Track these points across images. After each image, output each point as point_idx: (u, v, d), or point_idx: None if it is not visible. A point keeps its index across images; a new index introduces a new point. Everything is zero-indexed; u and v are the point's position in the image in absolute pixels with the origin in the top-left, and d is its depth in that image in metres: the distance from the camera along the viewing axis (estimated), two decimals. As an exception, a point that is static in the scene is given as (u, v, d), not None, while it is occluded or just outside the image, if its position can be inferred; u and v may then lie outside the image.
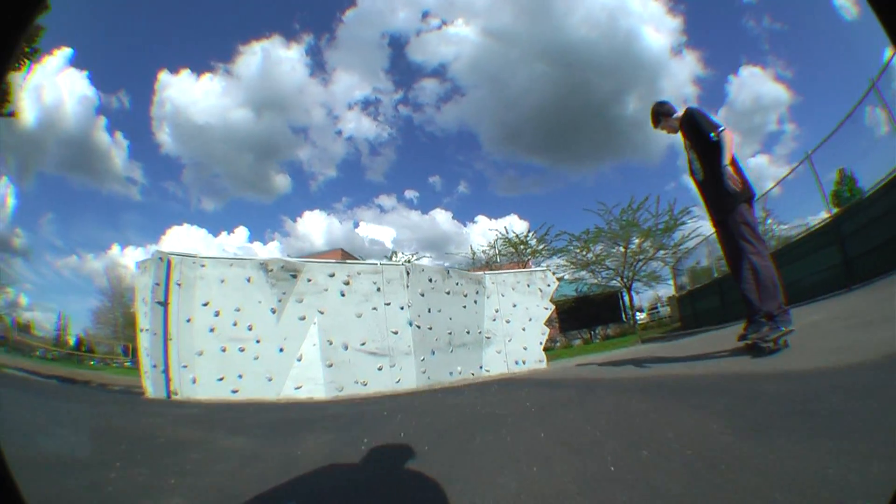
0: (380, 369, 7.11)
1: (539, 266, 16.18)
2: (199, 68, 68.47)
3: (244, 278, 7.34)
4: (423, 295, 7.76)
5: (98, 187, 60.65)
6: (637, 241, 25.61)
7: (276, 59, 62.84)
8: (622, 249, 25.87)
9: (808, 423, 2.00)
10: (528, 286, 9.28)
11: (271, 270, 7.19)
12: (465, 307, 8.46)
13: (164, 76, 59.46)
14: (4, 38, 0.95)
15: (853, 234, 8.78)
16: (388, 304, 7.40)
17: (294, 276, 7.21)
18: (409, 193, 66.70)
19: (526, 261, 26.17)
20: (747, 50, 61.50)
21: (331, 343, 7.02)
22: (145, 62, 67.11)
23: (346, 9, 69.25)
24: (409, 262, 7.54)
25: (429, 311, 7.80)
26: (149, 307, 7.41)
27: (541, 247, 27.26)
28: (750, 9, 58.47)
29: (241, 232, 61.46)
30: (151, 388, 7.24)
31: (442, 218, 64.74)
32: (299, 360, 6.99)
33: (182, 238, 57.50)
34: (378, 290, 7.41)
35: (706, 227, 24.75)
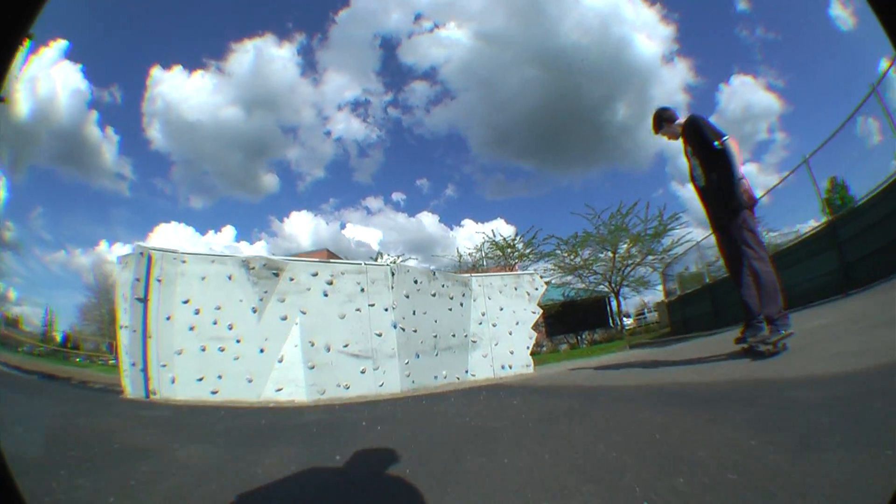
0: (363, 372, 6.88)
1: (526, 270, 16.00)
2: (192, 65, 68.07)
3: (225, 276, 7.11)
4: (408, 296, 7.54)
5: (88, 182, 60.10)
6: (625, 245, 25.51)
7: (268, 57, 62.55)
8: (611, 254, 25.74)
9: (864, 433, 1.75)
10: (516, 289, 9.07)
11: (253, 268, 6.97)
12: (450, 310, 8.23)
13: (156, 72, 58.97)
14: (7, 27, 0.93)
15: (851, 238, 8.68)
16: (373, 305, 7.18)
17: (276, 275, 6.99)
18: (397, 196, 66.54)
19: (513, 265, 25.96)
20: (739, 59, 61.79)
21: (313, 344, 6.79)
22: (138, 57, 66.61)
23: (340, 9, 68.94)
24: (394, 263, 7.31)
25: (414, 313, 7.58)
26: (129, 303, 7.16)
27: (528, 251, 26.99)
28: (744, 18, 58.84)
29: (229, 231, 61.08)
30: (130, 387, 6.98)
31: (429, 221, 64.56)
32: (280, 361, 6.76)
33: (170, 235, 57.04)
34: (362, 290, 7.19)
35: (696, 232, 24.76)
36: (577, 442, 2.49)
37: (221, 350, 6.89)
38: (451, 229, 71.33)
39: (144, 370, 6.99)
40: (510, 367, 8.51)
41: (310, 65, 65.20)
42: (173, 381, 6.89)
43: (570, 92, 64.58)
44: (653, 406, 3.10)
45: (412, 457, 2.55)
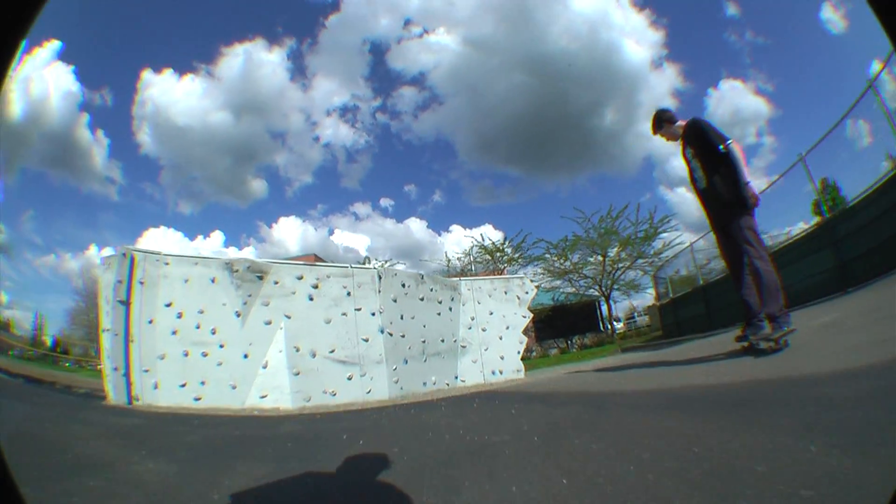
0: (349, 378, 6.65)
1: (516, 274, 15.83)
2: (182, 68, 67.76)
3: (209, 278, 6.89)
4: (395, 301, 7.32)
5: (78, 185, 59.68)
6: (616, 249, 25.41)
7: (257, 62, 62.38)
8: (601, 258, 25.63)
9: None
10: (506, 293, 8.88)
11: (237, 271, 6.75)
12: (439, 314, 8.01)
13: (147, 75, 58.62)
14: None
15: (848, 236, 8.60)
16: (359, 309, 6.94)
17: (260, 278, 6.76)
18: (385, 202, 66.62)
19: (502, 269, 25.77)
20: (728, 63, 62.12)
21: (298, 350, 6.56)
22: (130, 59, 66.22)
23: (330, 14, 68.84)
24: (382, 266, 7.13)
25: (401, 317, 7.35)
26: (111, 306, 6.95)
27: (517, 255, 26.79)
28: (733, 23, 59.08)
29: (217, 236, 60.77)
30: (113, 392, 6.76)
31: (416, 227, 64.58)
32: (265, 367, 6.52)
33: (159, 240, 56.60)
34: (348, 294, 6.96)
35: (686, 236, 24.72)
36: (597, 461, 2.08)
37: (205, 355, 6.67)
38: (439, 235, 71.66)
39: (127, 375, 6.78)
40: (501, 373, 8.31)
41: (299, 70, 65.06)
42: (156, 387, 6.68)
43: (558, 98, 64.76)
44: (673, 413, 2.79)
45: (398, 481, 2.18)
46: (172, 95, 59.60)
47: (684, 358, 5.55)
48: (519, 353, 8.64)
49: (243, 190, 69.42)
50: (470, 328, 8.40)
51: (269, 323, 6.65)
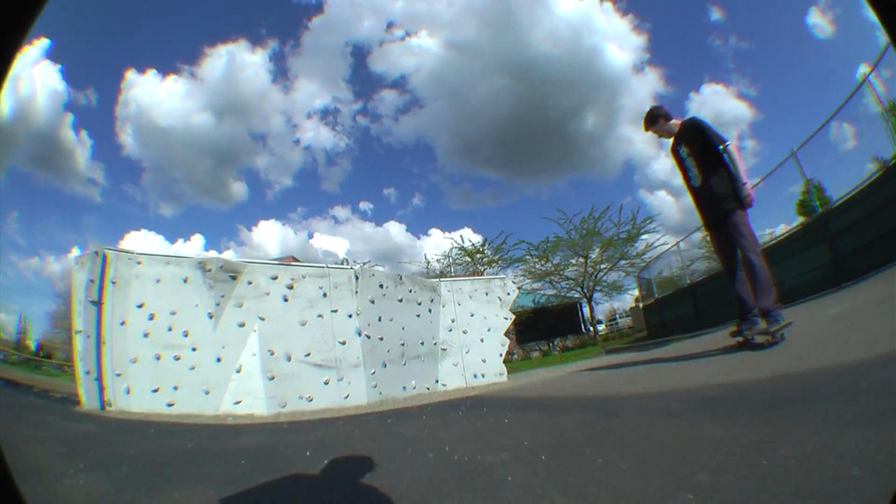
0: (326, 383, 6.35)
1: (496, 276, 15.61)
2: (165, 69, 66.66)
3: (181, 278, 6.60)
4: (373, 302, 7.02)
5: (61, 187, 58.74)
6: (598, 250, 25.22)
7: (240, 63, 61.65)
8: (582, 259, 25.41)
9: None
10: (487, 294, 8.60)
11: (209, 270, 6.45)
12: (418, 316, 7.72)
13: (131, 75, 57.73)
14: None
15: (843, 231, 8.48)
16: (335, 311, 6.64)
17: (233, 278, 6.47)
18: (364, 205, 65.93)
19: (482, 271, 25.28)
20: (711, 68, 62.16)
21: (272, 353, 6.27)
22: (115, 59, 65.32)
23: (314, 15, 68.17)
24: (359, 266, 6.85)
25: (379, 319, 7.05)
26: (83, 307, 6.66)
27: (497, 256, 26.41)
28: (717, 28, 59.20)
29: (198, 240, 59.81)
30: (86, 396, 6.46)
31: (396, 230, 64.02)
32: (238, 371, 6.22)
33: (139, 244, 55.62)
34: (324, 295, 6.65)
35: (667, 238, 24.64)
36: (640, 491, 1.62)
37: (177, 359, 6.38)
38: (419, 238, 71.46)
39: (99, 379, 6.47)
40: (483, 376, 8.03)
41: (281, 72, 64.38)
42: (128, 392, 6.38)
43: (540, 102, 64.54)
44: (703, 417, 2.44)
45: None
46: (156, 96, 58.82)
47: (680, 355, 5.44)
48: (501, 355, 8.38)
49: (224, 192, 68.78)
50: (450, 330, 8.12)
51: (242, 325, 6.36)
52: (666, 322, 17.63)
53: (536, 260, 26.12)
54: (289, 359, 6.32)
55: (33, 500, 1.47)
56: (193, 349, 6.38)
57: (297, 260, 31.57)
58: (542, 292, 27.86)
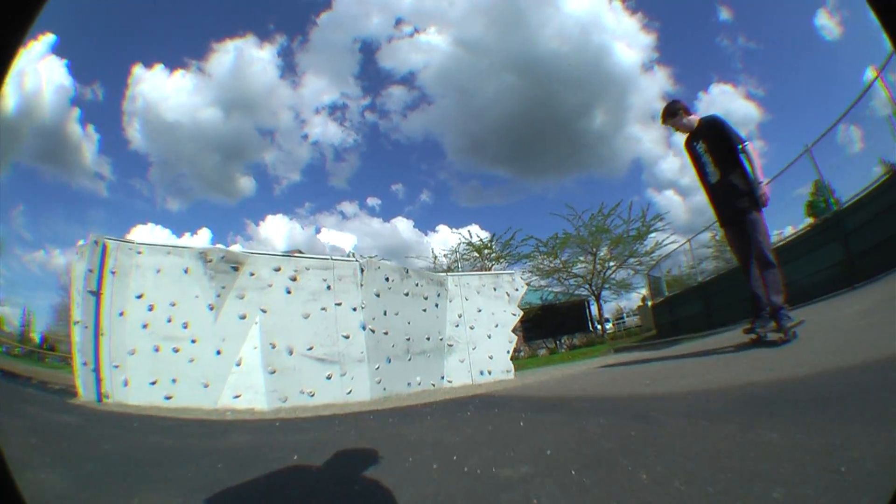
0: (329, 378, 6.11)
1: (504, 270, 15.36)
2: (173, 64, 66.19)
3: (181, 269, 6.36)
4: (378, 295, 6.76)
5: (68, 181, 58.68)
6: (606, 248, 24.85)
7: (248, 58, 61.30)
8: (591, 256, 25.06)
9: None
10: (495, 290, 8.32)
11: (210, 261, 6.21)
12: (425, 311, 7.46)
13: (138, 70, 57.43)
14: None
15: (858, 229, 8.19)
16: (339, 304, 6.38)
17: (235, 269, 6.23)
18: (372, 201, 65.37)
19: (489, 267, 24.92)
20: (719, 68, 61.51)
21: (274, 346, 6.02)
22: (122, 53, 65.17)
23: (321, 11, 67.77)
24: (364, 259, 6.57)
25: (385, 313, 6.79)
26: (82, 297, 6.45)
27: (505, 252, 25.92)
28: (725, 27, 58.64)
29: (205, 234, 59.48)
30: (83, 388, 6.25)
31: (403, 226, 63.67)
32: (238, 364, 5.98)
33: (146, 238, 55.65)
34: (328, 288, 6.40)
35: (675, 237, 24.33)
36: None
37: (176, 351, 6.15)
38: (426, 235, 71.38)
39: (96, 371, 6.26)
40: (489, 373, 7.77)
41: (289, 67, 64.05)
42: (126, 384, 6.16)
43: (548, 99, 64.05)
44: (755, 420, 2.09)
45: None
46: (163, 91, 58.52)
47: (696, 352, 5.28)
48: (508, 352, 8.12)
49: (231, 187, 68.59)
50: (457, 326, 7.86)
51: (243, 317, 6.12)
52: (676, 321, 17.23)
53: (544, 256, 25.77)
54: (290, 353, 6.08)
55: (34, 501, 1.50)
56: (193, 341, 6.15)
57: (301, 253, 31.17)
58: (549, 289, 27.41)
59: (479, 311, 8.09)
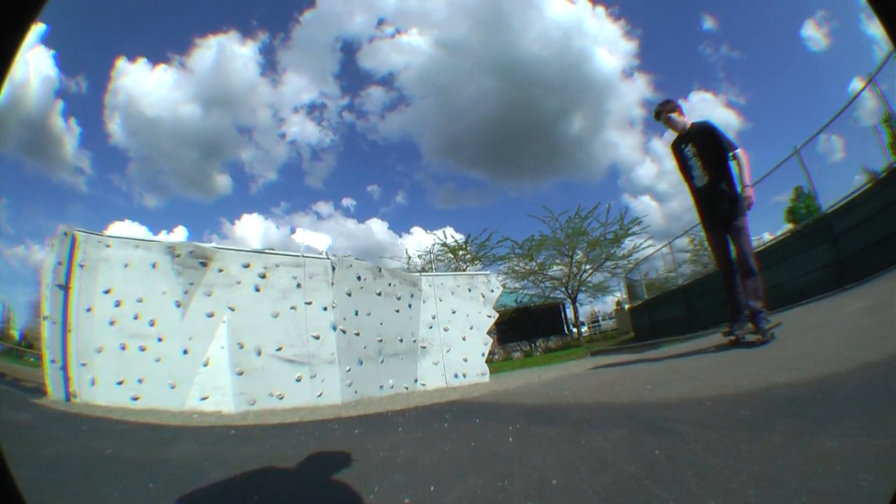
0: (298, 380, 5.86)
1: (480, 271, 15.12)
2: (156, 58, 65.62)
3: (149, 263, 6.11)
4: (350, 294, 6.51)
5: (49, 175, 57.79)
6: (581, 251, 24.75)
7: (230, 55, 60.72)
8: (567, 258, 24.90)
9: None
10: (470, 291, 8.12)
11: (178, 255, 5.95)
12: (398, 311, 7.23)
13: (121, 63, 56.65)
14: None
15: (848, 231, 8.14)
16: (310, 303, 6.14)
17: (204, 265, 5.97)
18: (347, 201, 65.28)
19: (464, 268, 24.59)
20: (701, 76, 62.01)
21: (242, 346, 5.77)
22: (108, 47, 64.30)
23: (305, 9, 67.25)
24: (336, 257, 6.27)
25: (356, 313, 6.54)
26: (50, 291, 6.20)
27: (481, 253, 25.62)
28: (709, 37, 59.04)
29: (181, 232, 58.79)
30: (52, 387, 6.02)
31: (378, 227, 63.56)
32: (205, 364, 5.72)
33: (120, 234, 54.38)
34: (299, 286, 6.15)
35: (651, 242, 24.33)
36: None
37: (142, 349, 5.89)
38: (400, 236, 71.47)
39: (64, 368, 6.00)
40: (464, 376, 7.55)
41: (270, 65, 63.54)
42: (93, 384, 5.91)
43: (527, 103, 64.18)
44: (802, 426, 1.85)
45: None
46: (145, 86, 57.77)
47: (684, 352, 5.18)
48: (483, 355, 7.90)
49: (208, 185, 68.07)
50: (431, 327, 7.63)
51: (211, 315, 5.87)
52: (656, 324, 17.17)
53: (520, 259, 25.56)
54: (259, 353, 5.83)
55: (34, 500, 1.37)
56: (159, 339, 5.91)
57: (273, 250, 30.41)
58: (524, 292, 27.25)
59: (454, 312, 7.88)
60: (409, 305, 7.50)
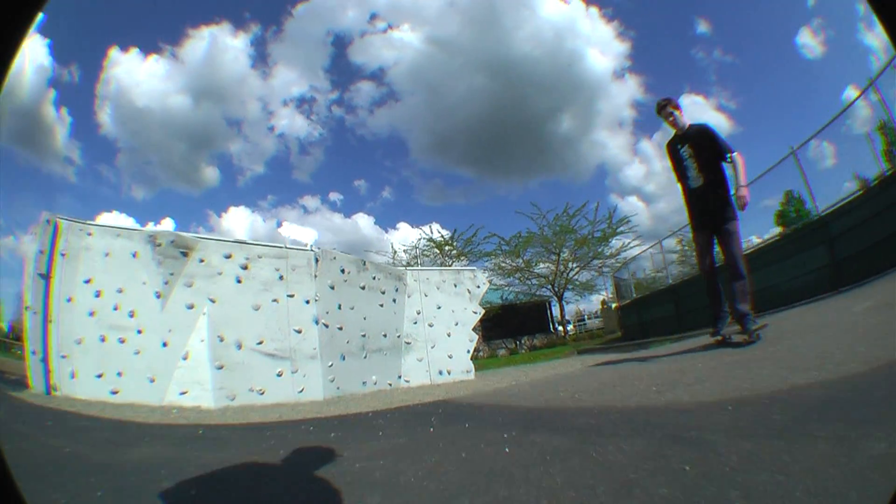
0: (279, 375, 5.66)
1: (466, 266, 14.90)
2: (148, 48, 64.63)
3: (130, 252, 5.89)
4: (333, 288, 6.32)
5: (39, 165, 57.03)
6: (567, 250, 24.43)
7: (222, 46, 59.92)
8: (555, 256, 24.59)
9: None
10: (455, 286, 7.92)
11: (160, 245, 5.74)
12: (382, 306, 7.04)
13: (114, 53, 55.87)
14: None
15: (844, 233, 8.05)
16: (292, 295, 5.95)
17: (185, 255, 5.76)
18: (334, 196, 64.25)
19: (450, 264, 23.90)
20: (692, 79, 61.49)
21: (222, 340, 5.57)
22: (101, 36, 63.49)
23: (298, 2, 66.57)
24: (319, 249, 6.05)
25: (339, 307, 6.35)
26: (32, 280, 5.99)
27: (467, 249, 24.97)
28: (703, 40, 58.73)
29: (168, 224, 58.26)
30: (34, 379, 5.84)
31: (364, 223, 62.80)
32: (185, 358, 5.51)
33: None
34: (281, 278, 5.96)
35: (645, 238, 24.22)
36: None
37: (122, 341, 5.67)
38: (386, 232, 71.34)
39: (45, 361, 5.80)
40: (449, 373, 7.37)
41: (261, 57, 62.54)
42: (73, 376, 5.70)
43: (517, 102, 63.53)
44: (852, 433, 1.60)
45: None
46: (136, 76, 56.88)
47: (679, 351, 5.10)
48: (469, 351, 7.72)
49: (196, 177, 67.26)
50: (415, 323, 7.46)
51: (191, 307, 5.67)
52: (644, 323, 16.92)
53: (506, 255, 25.08)
54: (239, 346, 5.64)
55: (34, 500, 1.32)
56: (139, 331, 5.69)
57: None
58: (510, 289, 26.71)
59: (439, 307, 7.70)
60: (394, 300, 7.32)
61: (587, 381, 4.54)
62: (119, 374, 5.60)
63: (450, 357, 7.51)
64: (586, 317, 38.70)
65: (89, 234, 6.10)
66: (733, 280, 4.52)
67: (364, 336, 6.61)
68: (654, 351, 6.33)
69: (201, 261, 5.81)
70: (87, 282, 5.92)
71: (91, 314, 5.82)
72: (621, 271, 21.92)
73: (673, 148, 5.04)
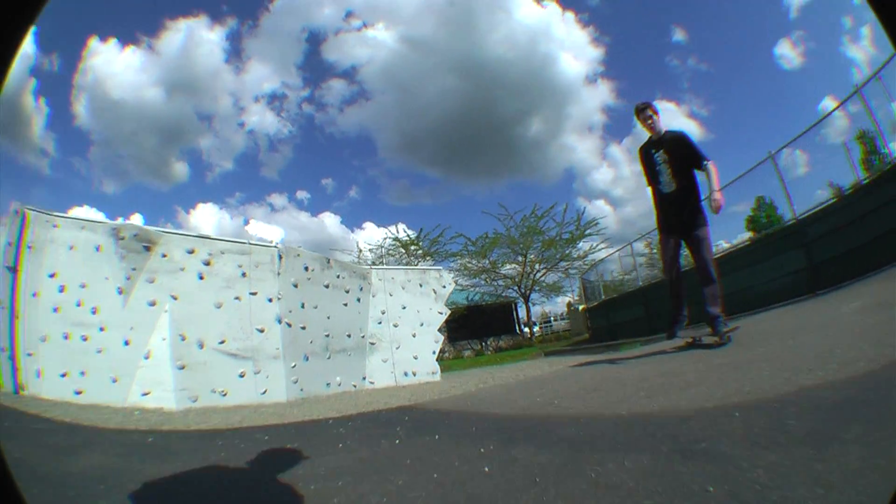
0: (242, 376, 5.50)
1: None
2: (126, 39, 63.54)
3: (94, 246, 5.68)
4: (296, 286, 6.18)
5: (15, 156, 55.86)
6: (534, 251, 24.30)
7: (197, 39, 59.17)
8: (521, 257, 24.40)
9: None
10: (421, 286, 7.80)
11: (122, 238, 5.55)
12: (346, 305, 6.89)
13: (93, 43, 54.90)
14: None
15: (821, 237, 8.17)
16: (255, 293, 5.79)
17: (148, 249, 5.58)
18: (301, 194, 63.96)
19: (416, 264, 23.34)
20: (664, 86, 61.82)
21: (184, 338, 5.40)
22: (82, 24, 62.13)
23: None
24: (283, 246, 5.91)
25: (303, 306, 6.21)
26: (0, 273, 5.80)
27: (433, 249, 24.65)
28: (678, 48, 59.07)
29: (137, 219, 57.44)
30: (4, 377, 5.61)
31: (330, 222, 62.45)
32: (147, 357, 5.32)
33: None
34: (244, 275, 5.80)
35: (612, 241, 24.29)
36: None
37: (84, 339, 5.46)
38: (352, 231, 71.18)
39: (13, 358, 5.58)
40: (414, 374, 7.26)
41: (235, 52, 61.66)
42: (39, 375, 5.47)
43: (488, 104, 63.47)
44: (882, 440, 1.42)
45: None
46: (113, 67, 55.87)
47: (652, 353, 5.07)
48: (434, 352, 7.62)
49: (166, 172, 66.28)
50: (380, 323, 7.33)
51: (153, 304, 5.49)
52: (613, 325, 16.90)
53: (473, 256, 24.80)
54: (201, 346, 5.48)
55: (34, 500, 1.39)
56: (101, 329, 5.48)
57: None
58: (476, 289, 26.38)
59: (404, 308, 7.58)
60: (358, 299, 7.19)
61: (565, 385, 4.23)
62: (82, 373, 5.39)
63: (415, 358, 7.40)
64: (552, 318, 38.58)
65: (55, 227, 5.88)
66: (704, 285, 4.57)
67: (328, 336, 6.47)
68: (626, 353, 6.29)
69: (164, 256, 5.64)
70: (52, 276, 5.69)
71: (55, 310, 5.59)
72: (589, 273, 21.91)
73: (646, 152, 5.05)
